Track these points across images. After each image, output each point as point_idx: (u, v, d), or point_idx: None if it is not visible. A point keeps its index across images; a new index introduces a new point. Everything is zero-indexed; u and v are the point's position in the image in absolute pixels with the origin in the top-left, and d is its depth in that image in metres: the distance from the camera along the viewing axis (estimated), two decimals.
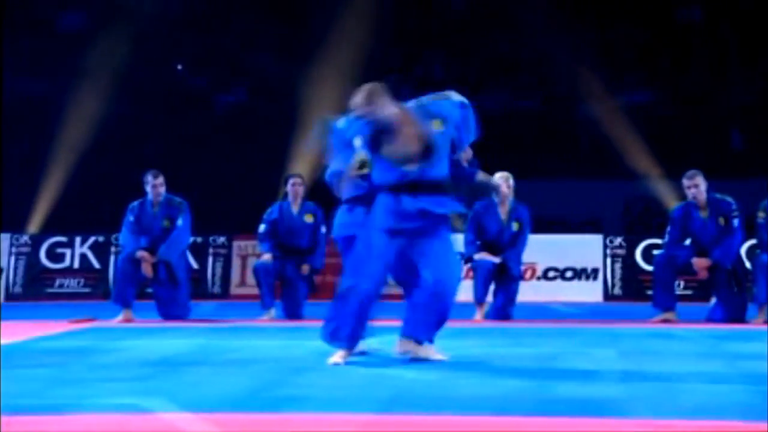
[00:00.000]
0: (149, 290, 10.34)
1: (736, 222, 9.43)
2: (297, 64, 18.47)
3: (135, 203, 9.97)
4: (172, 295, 9.83)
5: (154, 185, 9.89)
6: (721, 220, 9.45)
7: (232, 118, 20.14)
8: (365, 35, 17.64)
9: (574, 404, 4.25)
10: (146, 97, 19.26)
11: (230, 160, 18.98)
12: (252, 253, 13.37)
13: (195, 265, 13.67)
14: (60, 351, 6.62)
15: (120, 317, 9.48)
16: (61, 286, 14.30)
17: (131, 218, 9.90)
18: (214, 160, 18.93)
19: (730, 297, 9.37)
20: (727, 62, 19.41)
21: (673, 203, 10.36)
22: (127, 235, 9.92)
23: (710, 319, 9.40)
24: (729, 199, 9.53)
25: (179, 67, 20.56)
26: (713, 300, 9.73)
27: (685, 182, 9.55)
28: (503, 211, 10.02)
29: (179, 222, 9.89)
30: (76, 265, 14.41)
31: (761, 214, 9.42)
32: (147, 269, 9.70)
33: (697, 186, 9.45)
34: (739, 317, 9.26)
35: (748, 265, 10.56)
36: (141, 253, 9.71)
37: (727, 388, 4.77)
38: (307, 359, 5.80)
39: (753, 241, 10.58)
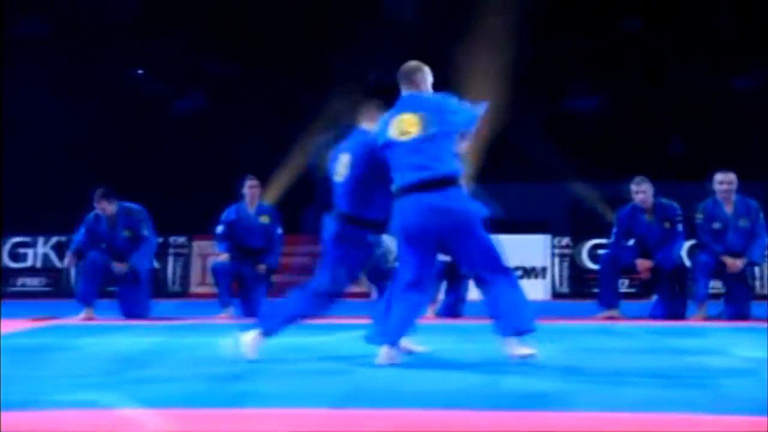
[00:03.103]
0: (110, 289, 10.24)
1: (679, 227, 9.68)
2: (249, 66, 18.41)
3: (90, 215, 9.84)
4: (135, 293, 9.77)
5: (103, 208, 9.76)
6: (666, 224, 9.65)
7: (190, 121, 19.96)
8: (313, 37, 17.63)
9: (520, 398, 4.27)
10: (106, 101, 19.05)
11: (189, 164, 18.84)
12: (212, 253, 13.28)
13: (156, 264, 13.56)
14: (21, 349, 6.55)
15: (82, 315, 9.40)
16: (23, 285, 14.14)
17: (83, 231, 9.83)
18: (174, 165, 18.78)
19: (671, 295, 9.52)
20: (665, 67, 19.52)
21: (616, 205, 10.44)
22: (87, 243, 9.84)
23: (652, 316, 9.50)
24: (675, 204, 9.76)
25: (140, 71, 20.36)
26: (655, 297, 9.83)
27: (633, 188, 9.71)
28: None
29: (144, 231, 9.82)
30: (38, 264, 14.26)
31: (699, 216, 9.58)
32: (120, 269, 9.69)
33: (644, 192, 9.65)
34: (680, 314, 9.37)
35: (688, 263, 10.67)
36: (118, 267, 9.65)
37: (670, 381, 4.81)
38: (263, 355, 5.77)
39: (693, 241, 10.67)
